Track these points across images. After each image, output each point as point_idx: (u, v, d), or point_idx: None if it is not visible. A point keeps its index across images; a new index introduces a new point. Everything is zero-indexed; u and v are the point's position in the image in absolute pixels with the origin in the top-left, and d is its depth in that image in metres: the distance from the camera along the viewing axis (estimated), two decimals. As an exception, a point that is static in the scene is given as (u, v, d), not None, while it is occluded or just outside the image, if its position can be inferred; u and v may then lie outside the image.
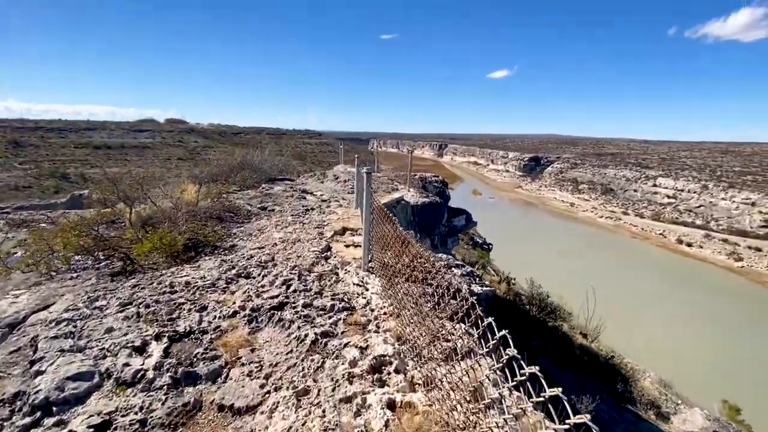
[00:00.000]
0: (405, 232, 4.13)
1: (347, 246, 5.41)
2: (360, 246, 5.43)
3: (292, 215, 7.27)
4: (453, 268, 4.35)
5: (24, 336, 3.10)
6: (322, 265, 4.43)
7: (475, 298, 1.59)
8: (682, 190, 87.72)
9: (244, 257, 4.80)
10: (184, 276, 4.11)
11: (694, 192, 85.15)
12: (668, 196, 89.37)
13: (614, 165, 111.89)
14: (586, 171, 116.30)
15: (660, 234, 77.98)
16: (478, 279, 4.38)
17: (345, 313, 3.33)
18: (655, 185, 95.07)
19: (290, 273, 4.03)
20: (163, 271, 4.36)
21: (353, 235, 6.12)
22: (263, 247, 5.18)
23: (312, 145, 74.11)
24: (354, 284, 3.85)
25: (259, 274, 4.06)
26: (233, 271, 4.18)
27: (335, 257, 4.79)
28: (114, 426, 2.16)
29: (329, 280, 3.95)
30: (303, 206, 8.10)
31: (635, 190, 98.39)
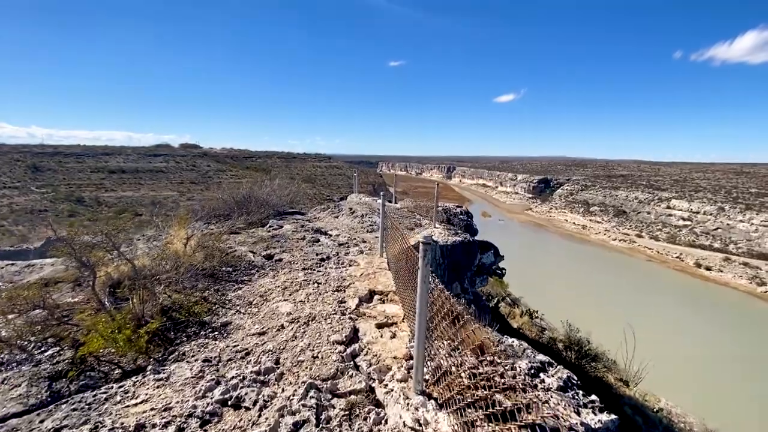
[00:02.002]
0: (450, 298, 2.73)
1: (380, 327, 3.95)
2: (397, 323, 3.96)
3: (303, 269, 5.85)
4: (542, 374, 2.86)
5: None
6: (351, 376, 2.97)
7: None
8: (698, 212, 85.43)
9: (237, 353, 3.37)
10: (137, 408, 2.66)
11: (711, 214, 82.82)
12: (683, 219, 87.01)
13: (625, 187, 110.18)
14: (597, 193, 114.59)
15: (677, 257, 75.36)
16: (582, 394, 2.84)
17: None
18: (668, 207, 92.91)
19: (303, 402, 2.57)
20: (111, 388, 2.93)
21: (384, 303, 4.67)
22: (265, 332, 3.75)
23: (322, 169, 73.96)
24: (408, 428, 2.38)
25: (254, 403, 2.61)
26: (217, 393, 2.74)
27: (367, 355, 3.33)
28: None
29: (365, 419, 2.48)
30: (317, 254, 6.68)
31: (648, 213, 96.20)
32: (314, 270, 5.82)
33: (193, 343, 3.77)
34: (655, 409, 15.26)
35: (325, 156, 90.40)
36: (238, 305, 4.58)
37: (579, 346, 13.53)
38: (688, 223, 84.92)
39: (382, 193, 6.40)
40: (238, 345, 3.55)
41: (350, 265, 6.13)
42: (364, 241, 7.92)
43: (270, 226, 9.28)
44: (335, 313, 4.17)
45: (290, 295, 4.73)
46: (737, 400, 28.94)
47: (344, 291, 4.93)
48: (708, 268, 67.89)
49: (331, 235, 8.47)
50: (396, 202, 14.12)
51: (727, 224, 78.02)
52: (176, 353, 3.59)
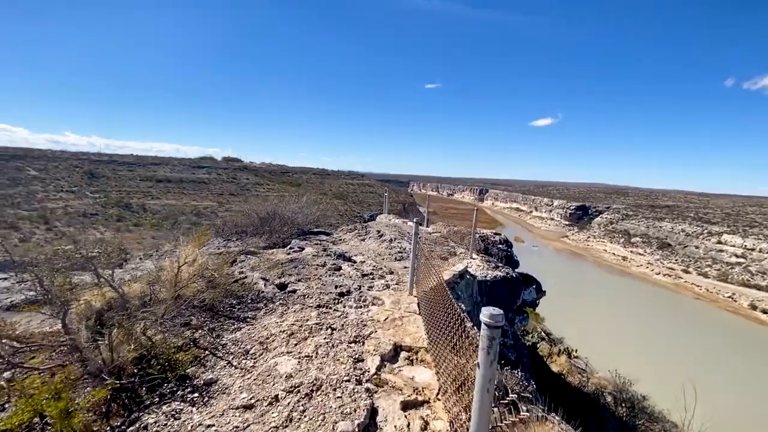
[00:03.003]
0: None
1: (407, 407, 2.91)
2: (430, 401, 2.90)
3: (318, 306, 4.92)
4: None
5: None
6: None
7: None
8: (753, 249, 78.09)
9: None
10: None
11: (767, 252, 75.25)
12: (736, 255, 79.78)
13: (671, 218, 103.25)
14: (639, 223, 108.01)
15: (729, 297, 68.81)
16: None
17: None
18: (719, 242, 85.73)
19: None
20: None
21: (412, 364, 3.63)
22: (252, 406, 2.82)
23: (354, 186, 74.45)
24: None
25: None
26: None
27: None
28: None
29: None
30: (336, 286, 5.75)
31: (696, 247, 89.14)
32: (330, 308, 4.87)
33: (163, 408, 2.90)
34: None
35: (358, 174, 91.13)
36: (232, 354, 3.69)
37: (631, 402, 11.62)
38: (742, 260, 77.70)
39: (415, 220, 5.43)
40: (214, 424, 2.63)
41: (373, 304, 5.14)
42: (392, 272, 6.92)
43: (291, 248, 8.50)
44: (348, 380, 3.17)
45: (296, 345, 3.78)
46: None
47: (363, 343, 3.93)
48: (765, 311, 61.35)
49: (355, 262, 7.55)
50: (428, 225, 13.09)
51: (790, 264, 70.50)
52: (138, 425, 2.72)
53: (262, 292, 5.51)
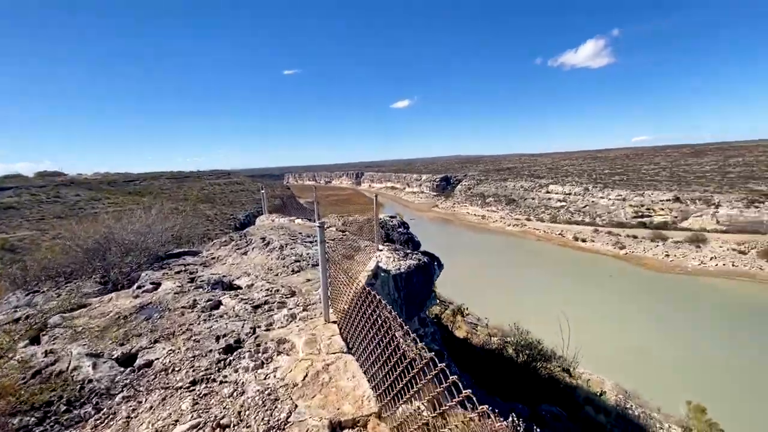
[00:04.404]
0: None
1: None
2: None
3: (192, 384, 3.14)
4: None
5: None
6: None
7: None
8: (570, 194, 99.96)
9: None
10: None
11: (579, 194, 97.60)
12: (560, 201, 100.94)
13: (512, 178, 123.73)
14: (490, 185, 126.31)
15: (560, 234, 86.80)
16: None
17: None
18: (548, 192, 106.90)
19: None
20: None
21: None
22: None
23: (221, 186, 66.10)
24: None
25: None
26: None
27: None
28: None
29: None
30: (217, 336, 3.97)
31: (533, 198, 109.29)
32: (214, 382, 3.17)
33: None
34: (599, 393, 15.55)
35: (223, 172, 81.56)
36: None
37: (530, 350, 12.87)
38: (564, 203, 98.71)
39: (319, 222, 4.03)
40: None
41: (280, 353, 3.61)
42: (293, 293, 5.38)
43: (139, 286, 6.05)
44: None
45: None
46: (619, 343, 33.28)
47: (281, 436, 2.47)
48: (583, 240, 79.44)
49: (239, 290, 5.71)
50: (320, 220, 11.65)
51: (592, 201, 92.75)
52: None
53: (90, 381, 3.38)
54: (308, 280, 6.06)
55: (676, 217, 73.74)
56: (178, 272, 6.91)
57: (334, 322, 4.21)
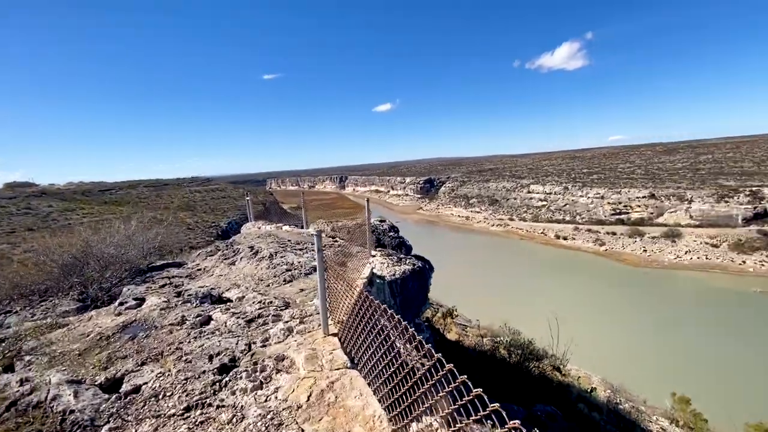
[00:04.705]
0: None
1: None
2: None
3: (186, 410, 2.92)
4: None
5: None
6: None
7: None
8: (550, 193, 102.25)
9: None
10: None
11: (559, 194, 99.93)
12: (541, 200, 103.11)
13: (494, 179, 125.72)
14: (473, 187, 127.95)
15: (542, 233, 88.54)
16: None
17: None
18: (529, 192, 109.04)
19: None
20: None
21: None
22: None
23: (202, 193, 64.45)
24: None
25: None
26: None
27: None
28: None
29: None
30: (210, 356, 3.74)
31: (515, 198, 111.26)
32: (211, 407, 2.95)
33: None
34: (589, 389, 15.74)
35: (203, 179, 79.70)
36: None
37: (522, 350, 12.94)
38: (545, 203, 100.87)
39: (315, 230, 3.86)
40: None
41: (280, 371, 3.42)
42: (287, 304, 5.17)
43: (122, 302, 5.71)
44: None
45: None
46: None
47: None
48: (564, 238, 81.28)
49: (230, 302, 5.45)
50: (308, 226, 11.40)
51: (572, 200, 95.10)
52: None
53: (72, 411, 3.10)
54: (302, 290, 5.86)
55: (652, 213, 76.31)
56: (163, 286, 6.58)
57: (334, 335, 4.04)
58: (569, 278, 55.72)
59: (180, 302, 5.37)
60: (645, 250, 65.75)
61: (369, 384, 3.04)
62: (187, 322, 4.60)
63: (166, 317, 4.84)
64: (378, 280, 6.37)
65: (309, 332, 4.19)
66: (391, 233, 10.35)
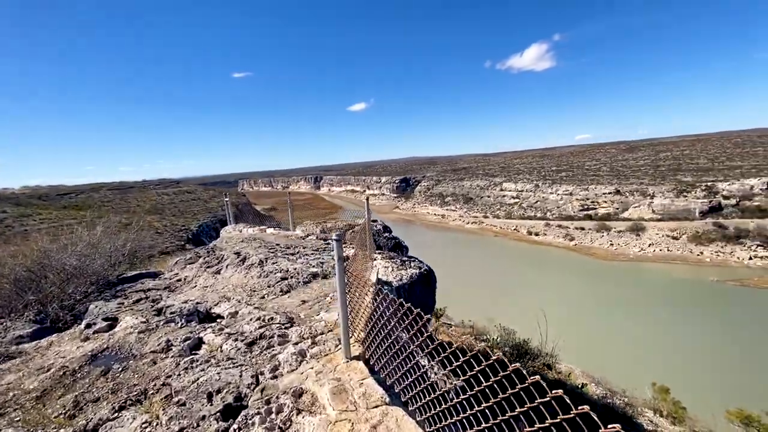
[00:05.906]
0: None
1: None
2: None
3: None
4: None
5: None
6: None
7: None
8: (522, 191, 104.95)
9: None
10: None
11: (530, 191, 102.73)
12: (513, 197, 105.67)
13: (468, 177, 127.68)
14: (448, 185, 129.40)
15: (514, 229, 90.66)
16: None
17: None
18: (502, 190, 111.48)
19: None
20: None
21: None
22: None
23: (170, 195, 61.20)
24: None
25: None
26: None
27: None
28: None
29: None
30: (209, 393, 3.04)
31: (488, 196, 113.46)
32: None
33: None
34: (580, 385, 15.82)
35: (171, 181, 75.86)
36: None
37: (517, 349, 12.75)
38: (517, 200, 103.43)
39: (335, 236, 3.23)
40: None
41: (301, 413, 2.77)
42: (291, 321, 4.48)
43: (89, 324, 4.81)
44: None
45: None
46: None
47: None
48: (536, 234, 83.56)
49: (221, 319, 4.70)
50: (295, 228, 10.62)
51: (542, 197, 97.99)
52: None
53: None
54: (304, 302, 5.18)
55: (617, 208, 79.81)
56: (138, 301, 5.69)
57: (357, 358, 3.43)
58: (544, 273, 57.23)
59: (162, 322, 4.56)
60: (612, 244, 68.55)
61: (421, 425, 2.46)
62: (174, 348, 3.83)
63: (147, 342, 4.05)
64: (385, 287, 5.80)
65: (326, 355, 3.55)
66: (386, 234, 9.78)
